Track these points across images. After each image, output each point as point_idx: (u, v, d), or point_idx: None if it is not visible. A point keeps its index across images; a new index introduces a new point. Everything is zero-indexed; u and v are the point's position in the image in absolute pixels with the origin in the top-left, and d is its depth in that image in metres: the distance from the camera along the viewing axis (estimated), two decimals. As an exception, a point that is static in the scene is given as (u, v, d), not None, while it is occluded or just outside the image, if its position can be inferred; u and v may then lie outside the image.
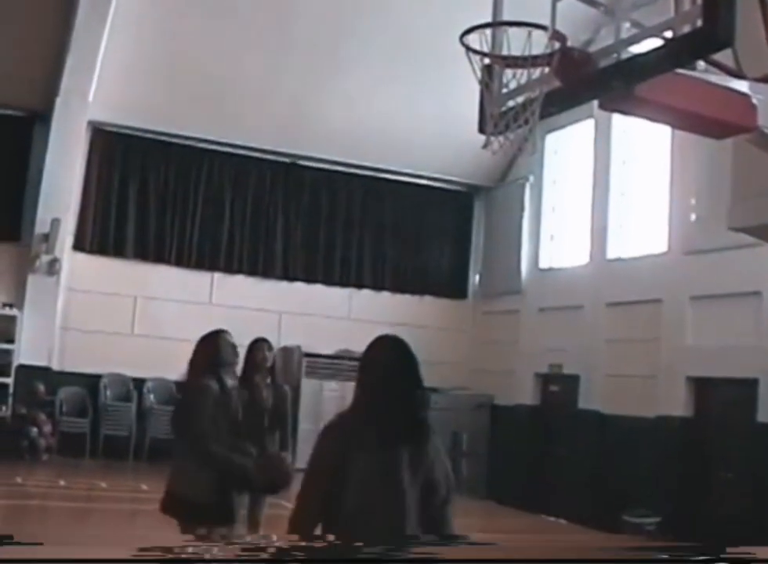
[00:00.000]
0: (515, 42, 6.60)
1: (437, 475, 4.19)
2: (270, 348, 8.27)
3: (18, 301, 17.79)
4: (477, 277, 21.57)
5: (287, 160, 20.13)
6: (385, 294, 20.61)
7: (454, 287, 21.39)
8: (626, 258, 16.87)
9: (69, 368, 17.99)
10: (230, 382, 6.77)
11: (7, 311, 17.57)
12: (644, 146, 16.76)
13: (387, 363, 4.34)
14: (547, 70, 6.70)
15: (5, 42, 16.68)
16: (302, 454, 18.16)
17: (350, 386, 17.65)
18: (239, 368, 8.16)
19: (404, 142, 19.56)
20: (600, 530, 13.72)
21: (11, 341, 17.47)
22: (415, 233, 21.01)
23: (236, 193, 19.82)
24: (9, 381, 17.45)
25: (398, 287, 20.67)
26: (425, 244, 21.07)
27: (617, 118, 15.40)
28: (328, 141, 19.37)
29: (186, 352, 6.82)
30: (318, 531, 4.10)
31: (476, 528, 13.49)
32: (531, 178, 19.78)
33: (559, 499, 16.78)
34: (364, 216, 20.73)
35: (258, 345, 8.26)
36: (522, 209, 19.97)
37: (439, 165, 20.44)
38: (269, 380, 8.27)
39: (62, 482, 14.84)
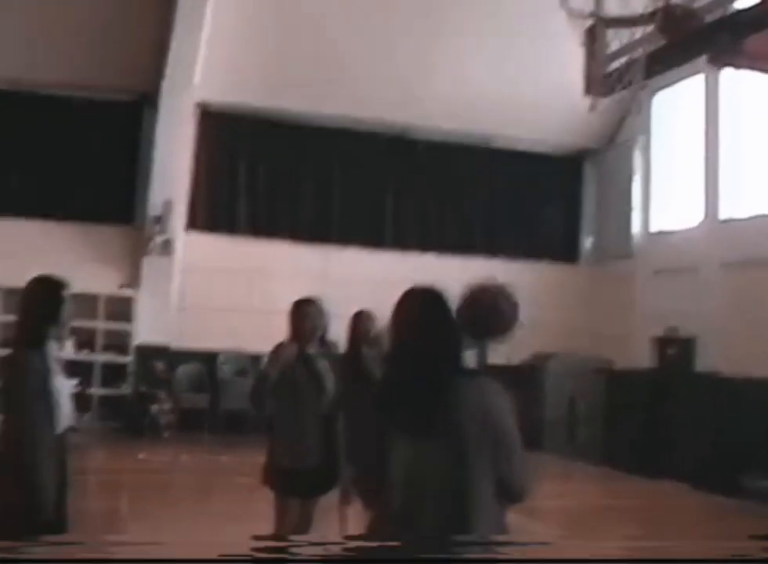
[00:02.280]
0: (616, 3, 6.50)
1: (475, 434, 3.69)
2: (373, 318, 8.28)
3: (134, 282, 18.17)
4: (589, 241, 21.36)
5: (397, 131, 20.14)
6: (499, 261, 20.48)
7: (566, 251, 21.26)
8: (739, 218, 16.51)
9: (187, 346, 18.32)
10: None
11: (124, 292, 17.96)
12: (756, 101, 16.31)
13: (399, 323, 4.05)
14: (650, 28, 6.59)
15: (109, 28, 16.99)
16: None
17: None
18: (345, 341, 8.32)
19: (513, 109, 19.38)
20: (718, 494, 13.52)
21: (129, 321, 17.88)
22: (526, 198, 20.85)
23: (346, 167, 19.92)
24: (129, 360, 17.87)
25: (511, 254, 20.52)
26: (536, 210, 20.91)
27: (727, 73, 15.05)
28: (438, 110, 19.27)
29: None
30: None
31: (593, 493, 13.45)
32: (641, 139, 19.46)
33: (676, 462, 16.56)
34: (475, 184, 20.64)
35: (360, 316, 8.30)
36: (632, 171, 19.70)
37: (548, 130, 20.22)
38: (376, 351, 8.29)
39: (183, 458, 15.15)
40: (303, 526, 6.69)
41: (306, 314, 6.91)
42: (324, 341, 7.09)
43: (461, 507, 3.64)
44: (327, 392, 6.84)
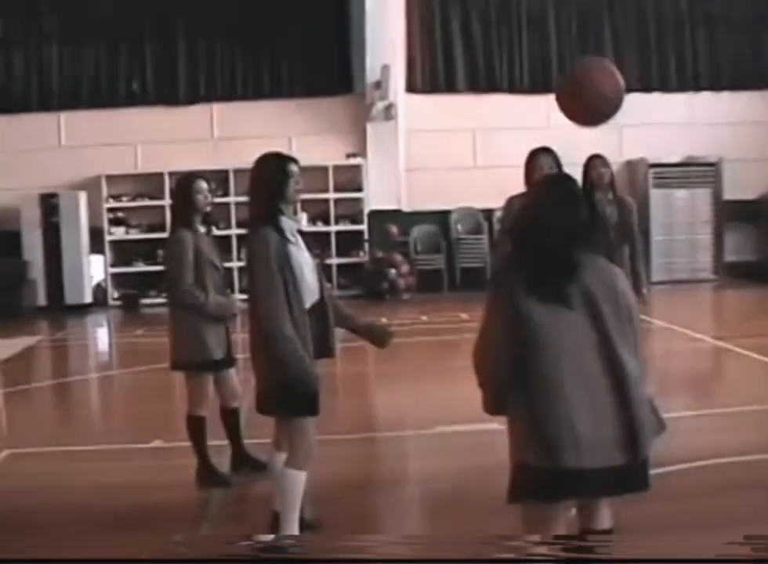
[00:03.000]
0: None
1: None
2: (606, 163, 8.04)
3: (361, 150, 18.37)
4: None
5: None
6: (725, 94, 19.58)
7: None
8: None
9: (418, 207, 18.48)
10: None
11: (352, 161, 18.18)
12: None
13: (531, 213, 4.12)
14: None
15: None
16: (657, 267, 17.83)
17: (700, 193, 17.12)
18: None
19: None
20: None
21: (360, 189, 18.12)
22: (750, 23, 19.61)
23: (559, 8, 19.28)
24: (364, 227, 18.17)
25: (738, 85, 19.55)
26: (761, 35, 19.68)
27: None
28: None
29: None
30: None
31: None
32: None
33: None
34: (693, 13, 19.60)
35: (592, 162, 8.06)
36: None
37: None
38: (610, 195, 8.07)
39: (424, 318, 15.39)
40: None
41: (542, 163, 6.80)
42: None
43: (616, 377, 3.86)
44: None
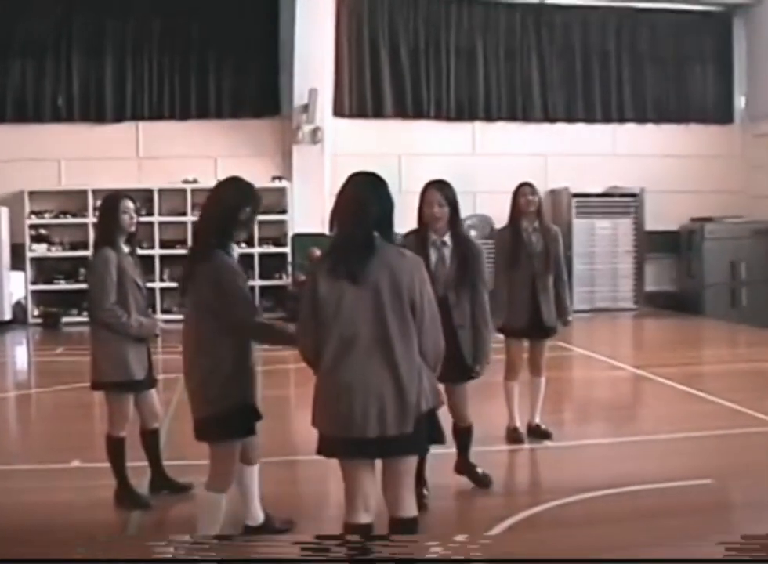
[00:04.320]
0: None
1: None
2: (534, 191, 8.17)
3: (286, 173, 18.37)
4: (743, 100, 20.50)
5: (536, 0, 19.59)
6: (650, 126, 19.98)
7: (719, 112, 20.47)
8: None
9: (342, 232, 18.47)
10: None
11: (277, 183, 18.14)
12: None
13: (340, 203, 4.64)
14: None
15: None
16: (578, 296, 18.05)
17: (622, 223, 17.41)
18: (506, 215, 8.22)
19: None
20: None
21: (284, 212, 18.09)
22: (674, 60, 20.11)
23: (487, 39, 19.53)
24: (287, 250, 18.14)
25: (662, 118, 19.99)
26: (686, 71, 20.22)
27: None
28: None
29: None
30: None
31: (764, 357, 13.14)
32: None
33: None
34: (619, 49, 20.01)
35: (521, 189, 8.19)
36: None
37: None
38: (536, 223, 8.18)
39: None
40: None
41: (431, 199, 6.49)
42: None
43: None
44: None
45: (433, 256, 6.43)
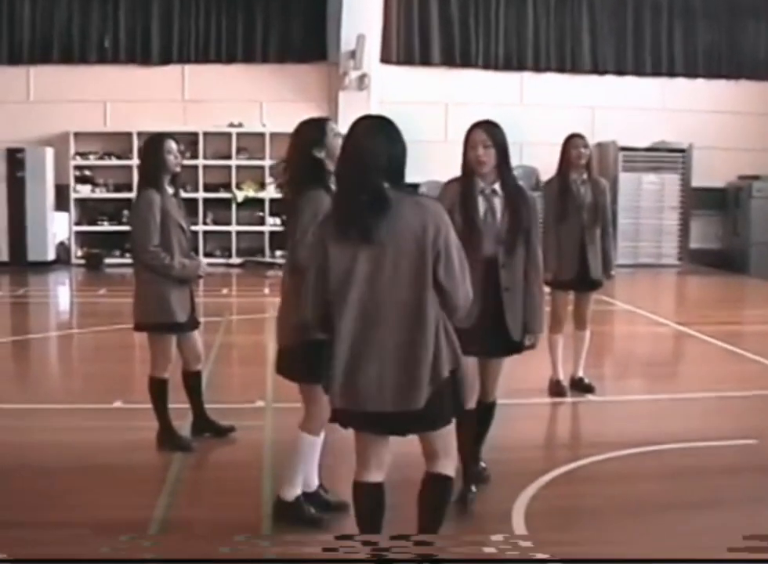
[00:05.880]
0: None
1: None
2: (585, 144, 8.07)
3: (333, 118, 18.20)
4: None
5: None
6: (700, 81, 19.66)
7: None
8: None
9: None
10: None
11: (324, 129, 18.04)
12: None
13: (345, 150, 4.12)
14: None
15: None
16: (622, 251, 17.86)
17: (669, 178, 17.19)
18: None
19: None
20: None
21: (331, 158, 18.03)
22: (727, 13, 19.67)
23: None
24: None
25: (712, 73, 19.65)
26: (738, 25, 19.76)
27: None
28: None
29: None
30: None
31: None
32: None
33: None
34: (672, 1, 19.60)
35: (572, 141, 8.07)
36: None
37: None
38: (585, 175, 8.08)
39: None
40: None
41: (476, 140, 5.53)
42: None
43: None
44: None
45: (482, 207, 5.41)
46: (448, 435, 4.19)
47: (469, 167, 5.48)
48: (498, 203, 5.43)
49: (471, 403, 5.15)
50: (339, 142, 4.83)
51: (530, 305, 5.43)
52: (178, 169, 6.53)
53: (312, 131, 5.22)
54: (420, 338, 3.91)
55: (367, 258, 3.90)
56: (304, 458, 5.18)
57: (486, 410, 5.63)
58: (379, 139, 4.02)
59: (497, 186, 5.44)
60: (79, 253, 18.06)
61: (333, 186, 4.73)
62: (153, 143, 6.51)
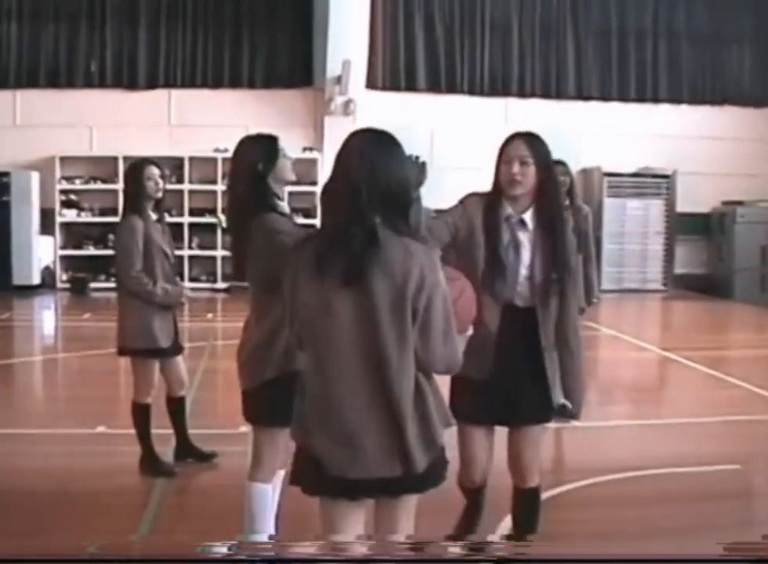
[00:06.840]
0: None
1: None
2: (567, 171, 8.09)
3: (317, 144, 18.31)
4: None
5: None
6: (684, 107, 19.78)
7: (756, 94, 20.13)
8: None
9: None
10: None
11: (308, 154, 18.08)
12: None
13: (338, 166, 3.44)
14: None
15: None
16: (607, 276, 17.92)
17: (653, 204, 17.25)
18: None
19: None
20: None
21: (314, 183, 18.02)
22: (712, 38, 19.81)
23: (523, 14, 19.36)
24: (317, 221, 18.08)
25: (697, 98, 19.78)
26: (722, 51, 19.91)
27: None
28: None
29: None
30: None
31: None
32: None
33: None
34: (656, 27, 19.77)
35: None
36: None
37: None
38: (567, 201, 8.11)
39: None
40: None
41: (512, 155, 4.51)
42: None
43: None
44: None
45: (505, 237, 4.39)
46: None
47: (500, 185, 4.46)
48: (524, 238, 4.40)
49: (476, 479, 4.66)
50: (288, 164, 4.80)
51: (571, 365, 4.71)
52: (159, 195, 6.54)
53: (258, 150, 4.81)
54: (398, 405, 3.31)
55: (342, 304, 3.29)
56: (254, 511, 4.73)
57: (530, 499, 4.67)
58: (378, 162, 3.37)
59: (527, 216, 4.41)
60: (64, 277, 18.04)
61: (285, 211, 4.68)
62: (134, 170, 6.53)
